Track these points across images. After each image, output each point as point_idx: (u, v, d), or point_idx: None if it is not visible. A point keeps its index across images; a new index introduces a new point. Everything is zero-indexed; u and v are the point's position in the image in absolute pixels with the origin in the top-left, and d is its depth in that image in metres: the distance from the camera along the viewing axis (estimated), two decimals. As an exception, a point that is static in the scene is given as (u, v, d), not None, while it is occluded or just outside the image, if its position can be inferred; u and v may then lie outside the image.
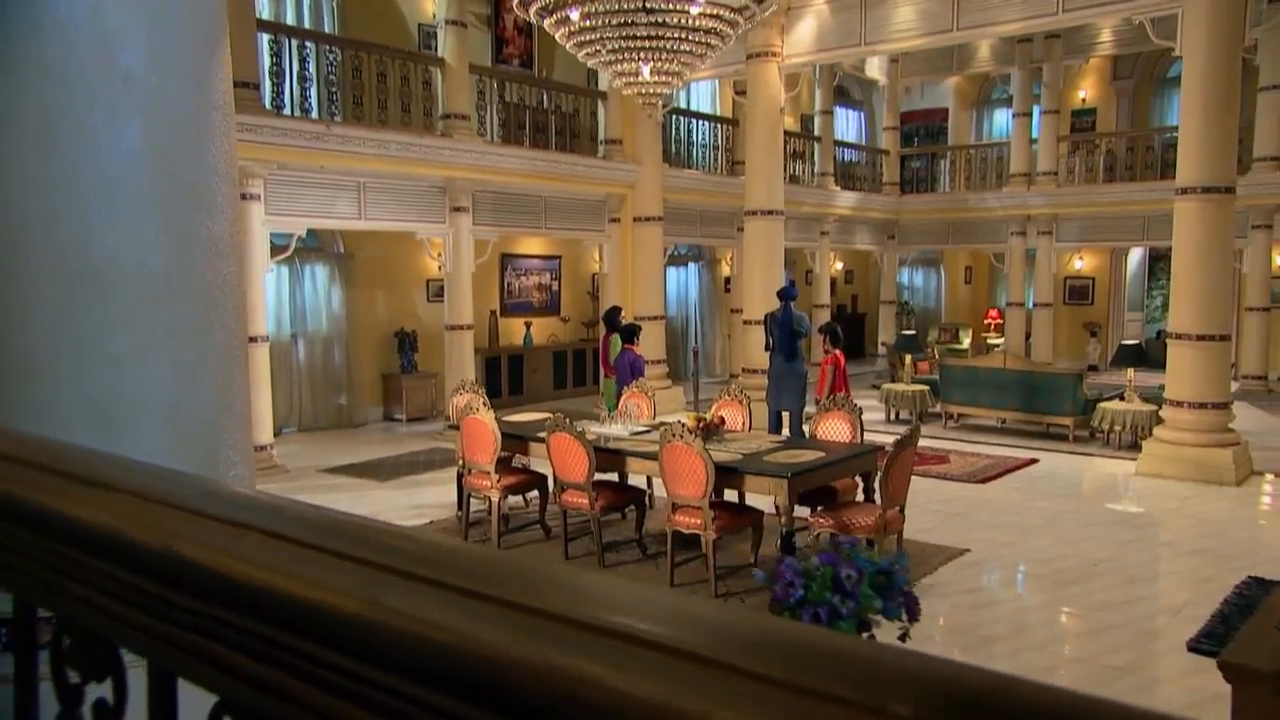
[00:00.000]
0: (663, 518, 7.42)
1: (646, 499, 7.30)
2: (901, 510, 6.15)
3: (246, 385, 2.17)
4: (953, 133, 19.76)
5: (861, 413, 7.15)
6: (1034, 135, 16.31)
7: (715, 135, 15.01)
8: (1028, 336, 16.72)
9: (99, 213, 1.88)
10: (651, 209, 12.80)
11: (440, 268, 13.03)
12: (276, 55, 9.93)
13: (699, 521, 6.01)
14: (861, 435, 7.01)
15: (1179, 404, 9.16)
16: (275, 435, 10.12)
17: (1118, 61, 17.81)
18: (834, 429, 7.07)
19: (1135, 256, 17.89)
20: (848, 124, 19.32)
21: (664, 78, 7.07)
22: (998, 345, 16.75)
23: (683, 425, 6.05)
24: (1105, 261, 17.63)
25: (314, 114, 10.13)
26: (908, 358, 13.10)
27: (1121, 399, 11.68)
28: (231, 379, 2.12)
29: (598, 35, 6.94)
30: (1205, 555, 6.76)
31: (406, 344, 12.80)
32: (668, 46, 6.85)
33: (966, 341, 18.65)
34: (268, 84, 9.82)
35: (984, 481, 9.13)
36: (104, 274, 1.89)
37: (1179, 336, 9.14)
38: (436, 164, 10.69)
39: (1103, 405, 11.22)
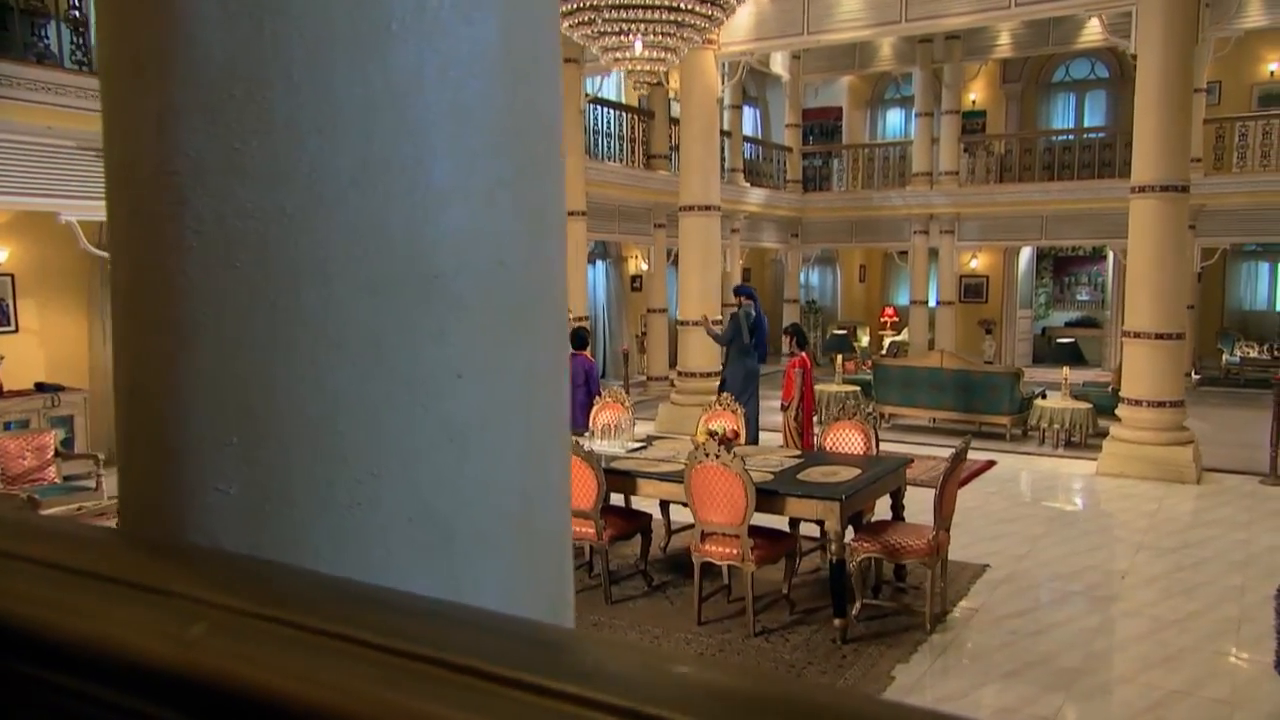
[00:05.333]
0: (655, 546, 6.73)
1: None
2: (948, 530, 5.66)
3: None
4: (847, 131, 19.79)
5: (878, 422, 6.64)
6: (936, 135, 16.41)
7: (630, 127, 14.32)
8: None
9: (442, 165, 1.04)
10: (575, 203, 11.99)
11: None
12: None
13: (735, 552, 5.34)
14: (877, 446, 6.51)
15: (1137, 402, 9.14)
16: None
17: (1006, 65, 18.23)
18: (847, 440, 6.53)
19: (1025, 255, 18.36)
20: (743, 120, 19.02)
21: (659, 53, 6.35)
22: (903, 343, 16.80)
23: (715, 443, 5.36)
24: (999, 260, 18.01)
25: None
26: (838, 357, 12.84)
27: (1044, 397, 11.77)
28: (567, 451, 1.31)
29: (589, 4, 6.14)
30: (1220, 562, 6.61)
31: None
32: (667, 19, 6.14)
33: (865, 339, 18.71)
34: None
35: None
36: (446, 278, 1.05)
37: (1137, 335, 9.13)
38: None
39: (1039, 404, 11.23)
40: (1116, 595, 6.00)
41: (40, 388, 9.47)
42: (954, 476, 5.52)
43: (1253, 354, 16.21)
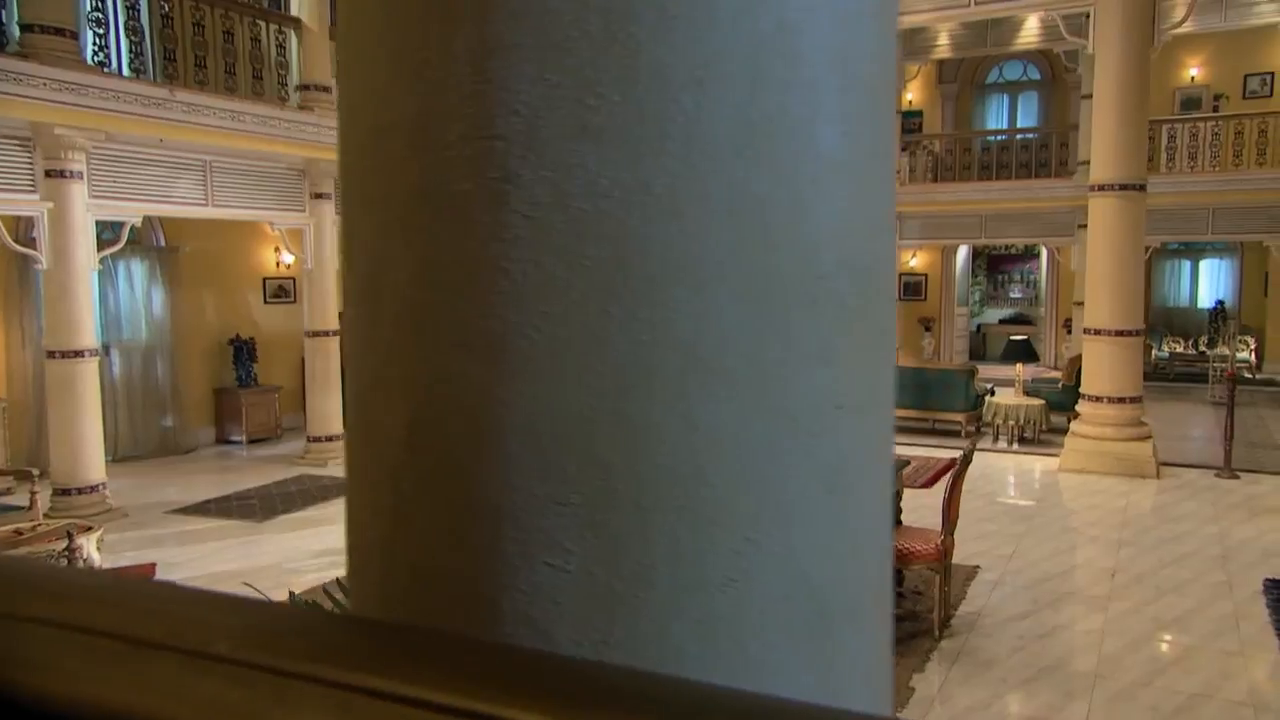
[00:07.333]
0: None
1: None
2: (952, 534, 5.56)
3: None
4: (785, 130, 19.77)
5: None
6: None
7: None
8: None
9: (830, 128, 0.79)
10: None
11: (280, 264, 11.38)
12: (99, -1, 8.01)
13: (741, 561, 5.13)
14: (868, 448, 6.37)
15: (1098, 399, 9.25)
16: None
17: (942, 66, 18.45)
18: (837, 442, 6.38)
19: (962, 254, 18.62)
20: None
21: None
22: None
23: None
24: (937, 258, 18.21)
25: (149, 74, 8.28)
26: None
27: (992, 394, 11.89)
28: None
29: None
30: (1201, 557, 6.66)
31: (243, 353, 10.96)
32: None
33: (806, 338, 18.73)
34: (88, 33, 7.90)
35: (926, 486, 8.80)
36: (829, 279, 0.80)
37: (1097, 332, 9.23)
38: (298, 142, 9.07)
39: (993, 401, 11.32)
40: (1111, 595, 5.97)
41: (-44, 397, 8.76)
42: (960, 480, 5.42)
43: (1179, 349, 16.73)
